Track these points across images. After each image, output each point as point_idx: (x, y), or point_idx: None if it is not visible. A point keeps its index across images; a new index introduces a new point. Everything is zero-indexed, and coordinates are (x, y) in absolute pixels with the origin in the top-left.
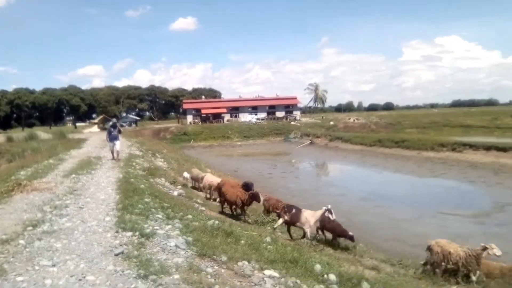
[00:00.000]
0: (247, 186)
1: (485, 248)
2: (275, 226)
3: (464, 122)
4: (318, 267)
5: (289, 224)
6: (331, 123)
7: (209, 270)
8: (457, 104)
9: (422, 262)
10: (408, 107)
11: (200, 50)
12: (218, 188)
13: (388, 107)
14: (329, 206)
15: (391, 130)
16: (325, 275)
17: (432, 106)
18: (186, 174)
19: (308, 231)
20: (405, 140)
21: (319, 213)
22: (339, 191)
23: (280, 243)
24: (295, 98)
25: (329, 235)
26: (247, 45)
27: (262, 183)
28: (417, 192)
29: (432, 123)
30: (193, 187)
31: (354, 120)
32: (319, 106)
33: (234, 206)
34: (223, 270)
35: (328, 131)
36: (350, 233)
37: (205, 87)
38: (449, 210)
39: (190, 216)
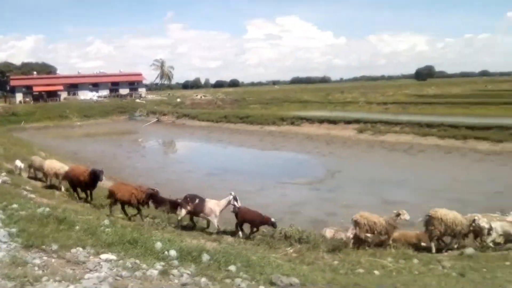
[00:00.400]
0: (95, 174)
1: (398, 214)
2: (179, 218)
3: (302, 98)
4: (159, 244)
5: (192, 214)
6: (178, 100)
7: (37, 261)
8: (296, 81)
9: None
10: (252, 84)
11: (30, 19)
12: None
13: (234, 83)
14: (233, 193)
15: (237, 106)
16: (166, 252)
17: (274, 83)
18: (18, 163)
19: (215, 221)
20: (249, 116)
21: (224, 201)
22: (187, 167)
23: (119, 225)
24: (140, 75)
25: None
26: (86, 16)
27: (106, 164)
28: (260, 164)
29: (274, 99)
30: (33, 177)
31: (201, 97)
32: (165, 83)
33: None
34: (53, 260)
35: (175, 108)
36: (272, 219)
37: (38, 62)
38: (289, 179)
39: (15, 205)
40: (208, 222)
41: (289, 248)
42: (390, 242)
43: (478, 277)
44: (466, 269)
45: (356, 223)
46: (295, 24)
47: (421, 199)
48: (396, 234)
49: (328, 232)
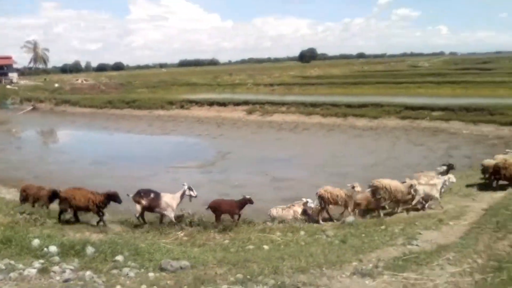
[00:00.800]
0: None
1: (353, 187)
2: (137, 216)
3: (191, 81)
4: (36, 241)
5: (147, 210)
6: (56, 85)
7: None
8: (184, 63)
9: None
10: (138, 67)
11: None
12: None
13: (118, 67)
14: (187, 184)
15: (122, 91)
16: (45, 249)
17: (161, 65)
18: None
19: (172, 215)
20: (136, 100)
21: (179, 194)
22: (69, 157)
23: None
24: (10, 58)
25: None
26: None
27: None
28: (150, 150)
29: (162, 82)
30: None
31: (82, 81)
32: (40, 66)
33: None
34: None
35: (53, 94)
36: (247, 196)
37: None
38: (180, 163)
39: None
40: (162, 217)
41: (179, 232)
42: (350, 210)
43: (358, 242)
44: (347, 236)
45: (321, 198)
46: (181, 6)
47: (307, 174)
48: (359, 198)
49: (275, 211)
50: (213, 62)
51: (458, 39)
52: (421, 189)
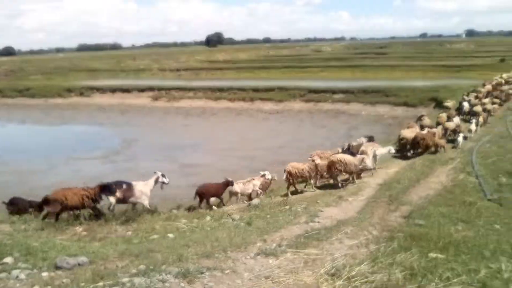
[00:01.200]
0: None
1: (313, 160)
2: (110, 208)
3: (91, 66)
4: None
5: (122, 202)
6: None
7: None
8: (83, 48)
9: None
10: (32, 52)
11: None
12: None
13: (8, 52)
14: (159, 172)
15: (13, 78)
16: None
17: (58, 50)
18: None
19: (146, 203)
20: (30, 88)
21: (151, 181)
22: None
23: None
24: None
25: None
26: None
27: None
28: (47, 141)
29: (58, 68)
30: None
31: None
32: None
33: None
34: None
35: None
36: (229, 178)
37: None
38: (81, 154)
39: None
40: (134, 206)
41: (78, 227)
42: (313, 182)
43: (263, 223)
44: (252, 218)
45: (290, 173)
46: None
47: (215, 159)
48: (322, 165)
49: (236, 186)
50: (115, 47)
51: (357, 24)
52: (368, 161)
